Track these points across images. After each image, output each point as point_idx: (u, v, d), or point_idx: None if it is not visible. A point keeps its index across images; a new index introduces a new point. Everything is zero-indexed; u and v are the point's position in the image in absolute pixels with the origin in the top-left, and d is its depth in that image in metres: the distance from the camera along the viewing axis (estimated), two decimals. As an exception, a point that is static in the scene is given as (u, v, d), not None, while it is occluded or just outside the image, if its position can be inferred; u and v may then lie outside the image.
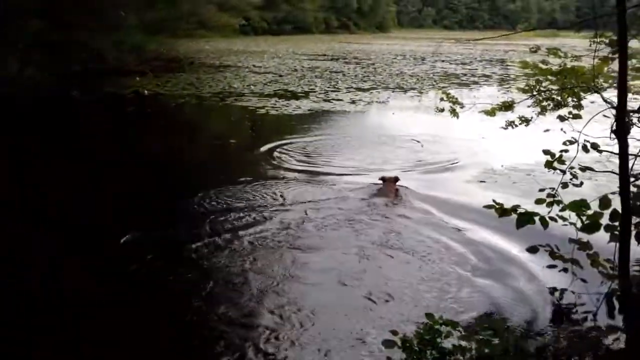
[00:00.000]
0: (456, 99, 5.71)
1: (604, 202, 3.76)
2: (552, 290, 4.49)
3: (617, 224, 3.81)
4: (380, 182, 7.38)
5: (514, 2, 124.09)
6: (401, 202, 7.11)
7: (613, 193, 4.22)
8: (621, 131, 3.67)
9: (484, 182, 7.94)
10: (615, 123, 3.80)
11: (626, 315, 3.85)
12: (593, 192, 5.55)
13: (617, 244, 4.10)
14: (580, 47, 5.51)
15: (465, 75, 25.47)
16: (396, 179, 7.40)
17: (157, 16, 24.48)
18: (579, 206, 3.82)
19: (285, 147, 10.20)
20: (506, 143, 10.10)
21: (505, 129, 5.41)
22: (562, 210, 4.50)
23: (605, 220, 3.88)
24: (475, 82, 22.32)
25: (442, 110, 5.82)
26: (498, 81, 22.95)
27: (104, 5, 19.80)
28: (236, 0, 43.05)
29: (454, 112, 5.78)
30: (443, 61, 33.82)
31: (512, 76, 24.89)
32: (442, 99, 5.82)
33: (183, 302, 4.51)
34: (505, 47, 49.15)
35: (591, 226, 3.77)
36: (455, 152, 9.93)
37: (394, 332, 3.36)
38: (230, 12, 43.49)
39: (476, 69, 28.48)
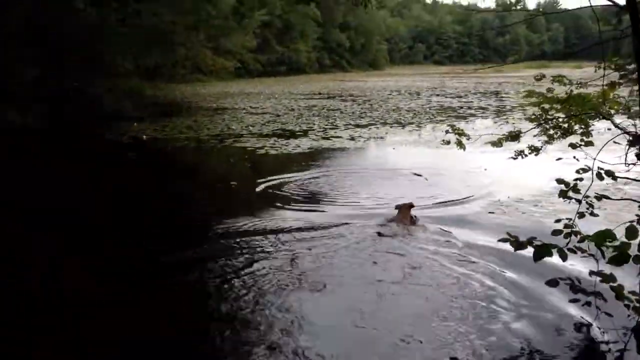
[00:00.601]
0: (462, 130, 5.63)
1: (631, 231, 3.60)
2: (579, 325, 4.29)
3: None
4: (396, 210, 7.46)
5: (503, 36, 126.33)
6: (417, 227, 7.16)
7: (631, 222, 4.07)
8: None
9: (493, 213, 7.79)
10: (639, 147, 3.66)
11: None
12: (604, 222, 5.46)
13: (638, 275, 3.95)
14: (572, 76, 5.50)
15: (461, 108, 25.61)
16: (411, 206, 7.47)
17: (153, 62, 24.79)
18: (603, 237, 3.66)
19: (288, 184, 10.09)
20: (508, 174, 10.04)
21: (514, 158, 5.31)
22: (581, 241, 4.35)
23: (633, 251, 3.71)
24: (472, 115, 22.39)
25: (449, 142, 5.72)
26: (495, 112, 23.04)
27: (101, 51, 20.05)
28: (230, 44, 43.77)
29: (460, 144, 5.69)
30: (438, 95, 34.12)
31: (508, 107, 25.04)
32: (447, 132, 5.74)
33: None
34: (497, 79, 49.75)
35: (619, 258, 3.60)
36: (460, 184, 9.79)
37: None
38: (225, 56, 44.22)
39: (472, 102, 28.66)
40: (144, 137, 17.03)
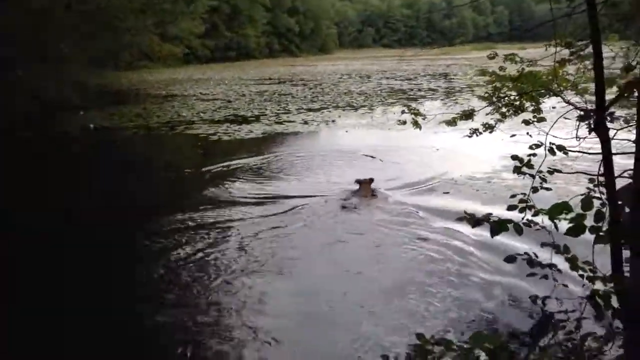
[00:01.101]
0: (418, 110, 5.65)
1: (587, 203, 3.70)
2: (534, 298, 4.41)
3: (601, 225, 3.74)
4: (357, 185, 7.86)
5: (450, 19, 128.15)
6: (378, 199, 7.56)
7: (583, 194, 4.19)
8: (603, 130, 3.62)
9: (448, 192, 7.91)
10: (594, 123, 3.75)
11: (627, 316, 3.76)
12: (554, 196, 5.63)
13: (593, 245, 4.06)
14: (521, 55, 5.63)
15: (412, 90, 25.89)
16: (371, 180, 7.87)
17: (98, 49, 23.89)
18: (560, 210, 3.75)
19: (242, 169, 9.98)
20: (459, 153, 10.23)
21: (469, 136, 5.35)
22: (535, 215, 4.46)
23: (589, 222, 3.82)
24: (423, 96, 22.66)
25: (405, 122, 5.74)
26: (444, 94, 23.40)
27: (45, 39, 19.16)
28: (178, 30, 42.73)
29: (416, 124, 5.71)
30: (388, 78, 34.37)
31: (457, 88, 25.49)
32: (403, 112, 5.74)
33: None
34: (445, 61, 50.51)
35: (576, 229, 3.70)
36: (413, 165, 9.91)
37: (385, 357, 3.18)
38: (172, 42, 43.16)
39: (421, 84, 29.02)
40: (92, 126, 16.45)
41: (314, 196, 7.85)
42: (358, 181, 7.86)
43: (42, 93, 18.33)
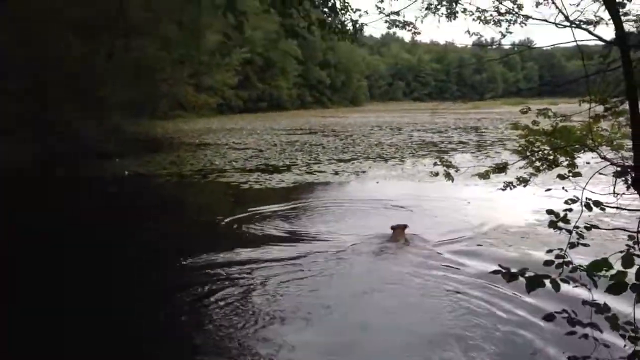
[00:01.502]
0: (450, 162, 5.67)
1: (627, 260, 3.61)
2: (574, 358, 4.25)
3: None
4: (392, 230, 8.10)
5: (480, 74, 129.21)
6: (410, 247, 7.78)
7: (621, 252, 4.10)
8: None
9: (481, 245, 7.81)
10: (633, 179, 3.70)
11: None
12: (590, 253, 5.51)
13: (635, 304, 3.94)
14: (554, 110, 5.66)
15: (442, 142, 25.96)
16: (405, 226, 8.15)
17: (136, 97, 24.69)
18: (599, 266, 3.66)
19: (273, 216, 10.07)
20: (490, 207, 10.12)
21: (503, 190, 5.34)
22: (573, 271, 4.36)
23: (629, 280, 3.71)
24: (454, 149, 22.69)
25: (437, 174, 5.76)
26: (475, 147, 23.37)
27: (86, 86, 19.91)
28: (212, 81, 44.01)
29: (448, 176, 5.73)
30: (419, 130, 34.56)
31: (488, 142, 25.43)
32: (435, 164, 5.78)
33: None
34: (476, 115, 50.64)
35: (617, 286, 3.60)
36: (444, 218, 9.83)
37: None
38: (207, 92, 44.41)
39: (452, 137, 29.08)
40: (126, 172, 16.87)
41: (347, 242, 7.98)
42: (393, 227, 8.07)
43: (82, 139, 18.93)
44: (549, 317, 4.28)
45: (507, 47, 6.38)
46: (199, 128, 38.83)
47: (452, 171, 5.77)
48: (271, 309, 5.50)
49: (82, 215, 10.76)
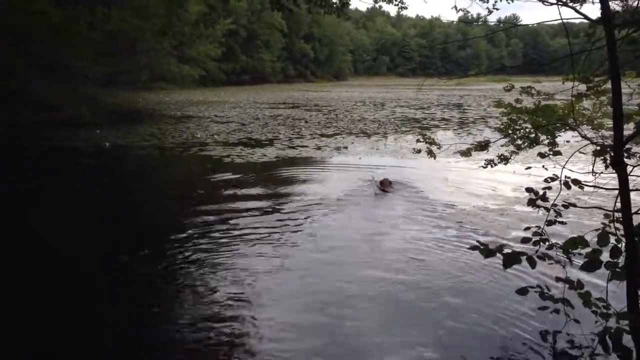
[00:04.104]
0: (433, 139, 5.68)
1: (603, 238, 3.68)
2: (545, 332, 4.35)
3: (618, 260, 3.70)
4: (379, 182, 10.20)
5: (465, 50, 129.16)
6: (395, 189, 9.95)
7: (597, 230, 4.16)
8: (622, 167, 3.61)
9: (461, 222, 7.87)
10: (612, 159, 3.74)
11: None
12: (566, 230, 5.62)
13: (608, 282, 4.02)
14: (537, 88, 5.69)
15: (425, 119, 25.96)
16: (389, 180, 10.29)
17: (115, 68, 24.27)
18: (576, 244, 3.73)
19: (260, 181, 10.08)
20: (472, 184, 10.19)
21: (484, 167, 5.37)
22: (549, 248, 4.43)
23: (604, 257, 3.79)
24: (436, 126, 22.71)
25: (419, 151, 5.78)
26: (458, 124, 23.42)
27: (61, 55, 19.49)
28: (195, 53, 43.39)
29: (430, 153, 5.74)
30: (402, 106, 34.52)
31: (470, 119, 25.51)
32: (418, 140, 5.78)
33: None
34: (460, 92, 50.72)
35: (592, 264, 3.67)
36: (425, 193, 9.89)
37: None
38: (189, 64, 43.77)
39: (435, 113, 29.11)
40: (107, 144, 16.63)
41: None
42: (380, 181, 10.28)
43: (56, 108, 18.57)
44: (522, 291, 4.37)
45: (493, 23, 6.38)
46: (181, 100, 38.35)
47: (434, 148, 5.80)
48: (272, 254, 6.23)
49: (63, 188, 10.65)
